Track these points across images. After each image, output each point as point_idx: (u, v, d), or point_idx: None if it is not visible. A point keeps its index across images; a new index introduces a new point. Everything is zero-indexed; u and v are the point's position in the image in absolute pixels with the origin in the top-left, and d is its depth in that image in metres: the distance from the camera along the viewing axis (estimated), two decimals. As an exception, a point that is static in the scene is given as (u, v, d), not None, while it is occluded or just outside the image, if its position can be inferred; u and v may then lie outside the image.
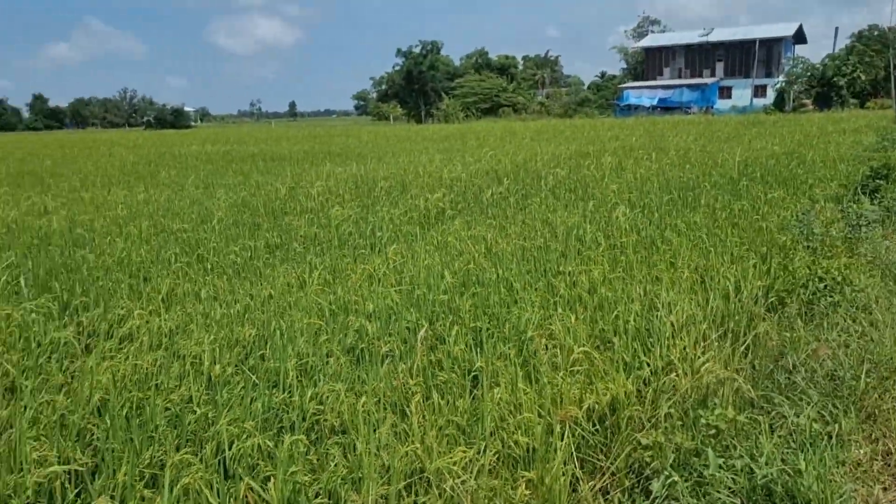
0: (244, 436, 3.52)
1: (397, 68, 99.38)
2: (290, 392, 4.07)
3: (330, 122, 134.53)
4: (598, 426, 3.81)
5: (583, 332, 4.75)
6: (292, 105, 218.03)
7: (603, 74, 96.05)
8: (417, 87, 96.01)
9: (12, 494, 3.10)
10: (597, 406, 3.85)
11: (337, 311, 5.48)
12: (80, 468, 3.27)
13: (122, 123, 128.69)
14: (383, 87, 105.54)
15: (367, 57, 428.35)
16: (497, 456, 3.48)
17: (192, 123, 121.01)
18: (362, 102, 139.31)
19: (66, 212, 11.35)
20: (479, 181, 13.25)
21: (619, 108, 73.20)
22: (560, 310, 5.23)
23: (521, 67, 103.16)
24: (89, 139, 51.65)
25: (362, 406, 3.77)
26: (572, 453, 3.49)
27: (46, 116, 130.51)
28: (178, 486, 3.06)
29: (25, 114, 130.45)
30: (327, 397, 3.94)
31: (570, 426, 3.63)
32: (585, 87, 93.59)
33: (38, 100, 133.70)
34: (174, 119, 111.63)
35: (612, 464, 3.55)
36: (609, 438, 3.74)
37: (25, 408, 3.91)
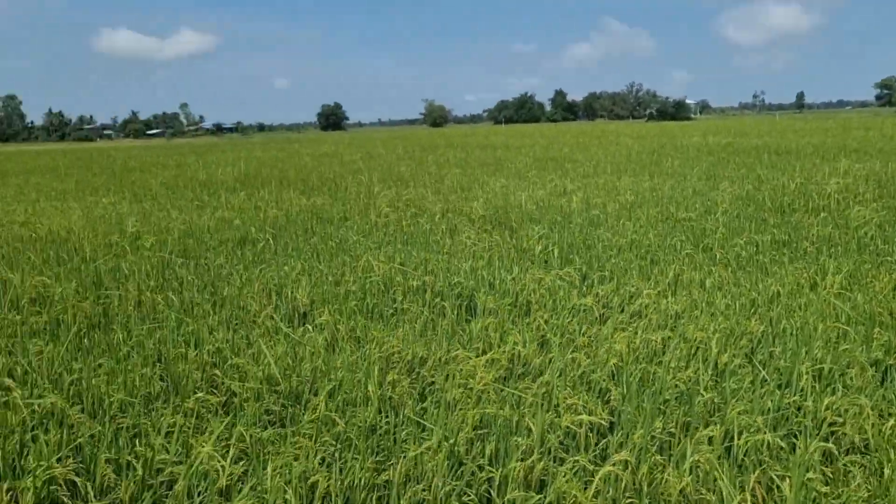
0: (752, 429, 3.48)
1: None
2: (802, 395, 3.87)
3: (843, 113, 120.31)
4: None
5: None
6: (800, 96, 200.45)
7: None
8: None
9: (548, 430, 3.64)
10: None
11: (858, 320, 4.97)
12: (602, 421, 3.67)
13: (626, 116, 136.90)
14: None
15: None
16: None
17: (692, 115, 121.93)
18: (886, 91, 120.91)
19: (582, 194, 12.61)
20: None
21: None
22: None
23: None
24: (598, 130, 56.12)
25: (890, 429, 3.38)
26: None
27: (564, 109, 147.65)
28: (689, 461, 3.19)
29: (547, 107, 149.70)
30: (846, 410, 3.63)
31: None
32: None
33: (559, 94, 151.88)
34: (675, 111, 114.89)
35: None
36: None
37: (551, 360, 4.54)
